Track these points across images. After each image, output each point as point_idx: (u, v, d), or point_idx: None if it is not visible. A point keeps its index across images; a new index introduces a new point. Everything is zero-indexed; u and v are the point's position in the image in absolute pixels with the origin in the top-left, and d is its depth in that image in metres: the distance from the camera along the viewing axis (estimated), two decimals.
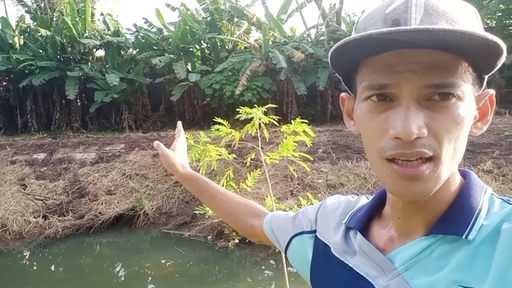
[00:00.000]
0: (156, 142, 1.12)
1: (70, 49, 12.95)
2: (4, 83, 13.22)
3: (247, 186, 2.78)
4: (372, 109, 0.52)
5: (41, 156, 9.23)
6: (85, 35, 12.60)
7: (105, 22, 13.94)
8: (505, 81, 10.84)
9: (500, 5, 10.84)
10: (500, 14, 11.20)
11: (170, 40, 12.98)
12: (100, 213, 7.21)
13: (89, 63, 13.00)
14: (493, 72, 0.52)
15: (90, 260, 6.54)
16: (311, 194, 2.88)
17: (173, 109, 13.20)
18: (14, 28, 13.10)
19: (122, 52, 13.68)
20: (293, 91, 11.55)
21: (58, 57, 12.77)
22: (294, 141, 2.72)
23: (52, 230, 6.79)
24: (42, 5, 14.82)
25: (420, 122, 0.48)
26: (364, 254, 0.61)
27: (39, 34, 12.71)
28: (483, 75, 0.52)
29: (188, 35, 12.67)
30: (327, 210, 0.75)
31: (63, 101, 12.82)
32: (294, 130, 2.78)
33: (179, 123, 1.20)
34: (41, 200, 7.51)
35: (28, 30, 13.47)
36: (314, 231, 0.75)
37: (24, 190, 7.80)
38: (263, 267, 5.71)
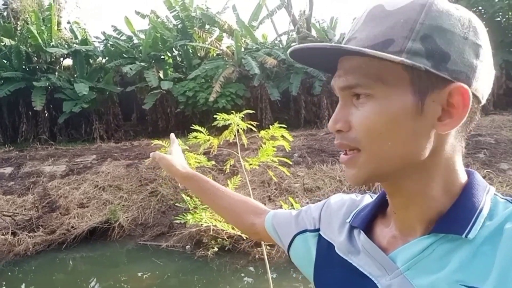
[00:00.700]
0: (152, 153, 1.13)
1: (36, 58, 12.55)
2: None
3: None
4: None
5: (8, 170, 8.85)
6: (51, 44, 12.25)
7: (72, 31, 13.61)
8: None
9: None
10: None
11: (140, 48, 12.81)
12: (72, 227, 6.96)
13: (57, 73, 12.63)
14: (432, 69, 0.50)
15: (63, 276, 6.30)
16: (292, 198, 2.88)
17: (146, 117, 13.01)
18: None
19: (91, 61, 13.38)
20: (266, 97, 11.63)
21: (24, 67, 12.36)
22: (273, 146, 2.72)
23: (22, 247, 6.49)
24: (5, 13, 14.33)
25: (341, 118, 0.56)
26: (368, 253, 0.62)
27: (3, 43, 12.26)
28: (435, 72, 0.50)
29: (159, 43, 12.55)
30: (331, 209, 0.75)
31: (30, 113, 12.38)
32: (273, 135, 2.78)
33: (172, 134, 1.25)
34: (9, 216, 7.18)
35: None
36: (318, 230, 0.75)
37: None
38: (243, 275, 5.66)
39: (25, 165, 9.04)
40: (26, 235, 6.74)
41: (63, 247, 6.69)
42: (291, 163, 3.69)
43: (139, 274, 6.09)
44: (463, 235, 0.51)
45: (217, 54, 13.07)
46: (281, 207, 2.90)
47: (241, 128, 2.82)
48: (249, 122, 2.94)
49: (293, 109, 12.36)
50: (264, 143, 2.75)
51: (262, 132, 2.78)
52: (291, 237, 0.79)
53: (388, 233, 0.62)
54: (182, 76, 12.24)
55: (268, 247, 5.48)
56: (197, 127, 2.89)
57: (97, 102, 12.24)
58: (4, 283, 6.09)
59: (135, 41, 13.44)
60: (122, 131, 12.83)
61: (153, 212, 7.34)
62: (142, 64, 11.97)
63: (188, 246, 6.34)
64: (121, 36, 13.43)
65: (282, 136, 2.79)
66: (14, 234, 6.80)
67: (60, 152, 10.00)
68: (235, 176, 2.96)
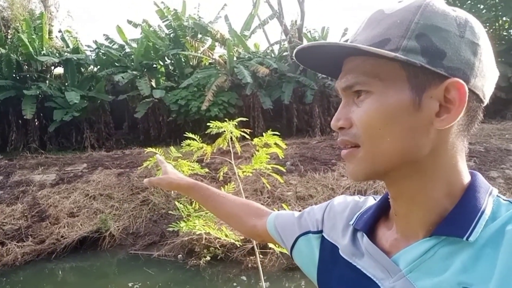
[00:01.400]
0: (146, 180, 1.14)
1: (26, 67, 12.47)
2: None
3: None
4: None
5: None
6: (42, 52, 12.18)
7: (63, 39, 13.55)
8: None
9: None
10: None
11: (132, 56, 12.80)
12: (62, 236, 6.87)
13: (47, 81, 12.53)
14: (424, 64, 0.52)
15: (52, 287, 6.18)
16: (286, 206, 2.88)
17: (138, 126, 12.94)
18: None
19: (82, 69, 13.33)
20: (259, 105, 11.67)
21: (14, 75, 12.24)
22: (266, 154, 2.72)
23: (10, 257, 6.37)
24: None
25: (342, 115, 0.58)
26: (371, 256, 0.62)
27: None
28: (431, 68, 0.52)
29: (151, 52, 12.55)
30: (334, 211, 0.75)
31: (20, 121, 12.22)
32: (266, 143, 2.79)
33: (157, 155, 1.31)
34: None
35: None
36: (321, 231, 0.75)
37: None
38: (235, 284, 5.62)
39: (15, 174, 8.91)
40: (15, 244, 6.63)
41: (53, 257, 6.58)
42: (284, 170, 3.69)
43: (130, 285, 6.01)
44: (464, 238, 0.51)
45: (210, 63, 13.11)
46: None
47: (234, 136, 2.82)
48: (242, 129, 2.95)
49: (285, 118, 12.40)
50: (258, 151, 2.75)
51: (256, 140, 2.79)
52: (293, 238, 0.79)
53: (390, 236, 0.62)
54: (174, 84, 12.24)
55: (261, 256, 5.45)
56: (190, 135, 2.89)
57: (88, 111, 12.16)
58: None
59: (127, 49, 13.43)
60: (113, 139, 12.74)
61: (145, 221, 7.28)
62: (134, 72, 11.96)
63: (180, 255, 6.28)
64: (113, 45, 13.41)
65: (276, 143, 2.80)
66: (2, 244, 6.68)
67: (50, 161, 9.88)
68: (228, 184, 2.95)
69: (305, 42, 12.88)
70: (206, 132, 2.96)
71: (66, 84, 12.59)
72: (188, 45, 12.64)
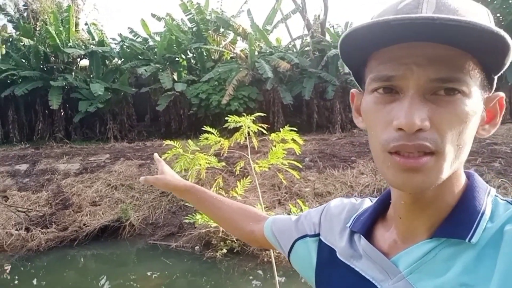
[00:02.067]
0: (142, 178, 1.12)
1: (53, 58, 12.80)
2: None
3: (237, 194, 2.77)
4: (378, 100, 0.52)
5: (23, 167, 9.03)
6: (69, 44, 12.48)
7: (89, 32, 13.84)
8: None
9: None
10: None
11: (155, 50, 12.95)
12: (84, 224, 7.07)
13: (73, 73, 12.86)
14: (502, 72, 0.52)
15: (74, 273, 6.38)
16: (302, 202, 2.89)
17: (159, 119, 13.13)
18: None
19: (107, 62, 13.58)
20: (279, 100, 11.63)
21: (41, 66, 12.61)
22: (283, 149, 2.72)
23: (35, 243, 6.61)
24: (25, 14, 14.65)
25: (423, 114, 0.48)
26: (369, 258, 0.61)
27: (22, 43, 12.54)
28: (492, 76, 0.52)
29: (174, 45, 12.67)
30: (331, 214, 0.74)
31: (46, 111, 12.62)
32: (283, 138, 2.79)
33: (155, 155, 1.26)
34: (24, 212, 7.32)
35: (11, 39, 13.28)
36: (318, 235, 0.74)
37: (6, 202, 7.60)
38: (251, 277, 5.66)
39: (40, 162, 9.20)
40: (39, 231, 6.86)
41: (75, 244, 6.79)
42: (301, 166, 3.68)
43: (148, 274, 6.14)
44: (466, 240, 0.51)
45: (231, 57, 13.14)
46: (290, 210, 2.90)
47: (252, 131, 2.83)
48: (259, 124, 2.95)
49: (306, 113, 12.33)
50: (275, 146, 2.76)
51: (273, 135, 2.79)
52: (291, 242, 0.78)
53: (389, 237, 0.61)
54: (195, 78, 12.34)
55: (276, 251, 5.47)
56: (208, 129, 2.92)
57: (112, 103, 12.41)
58: (16, 277, 6.21)
59: (151, 43, 13.60)
60: (135, 131, 12.99)
61: (164, 212, 7.40)
62: (157, 65, 12.11)
63: (197, 247, 6.37)
64: (137, 38, 13.60)
65: (293, 139, 2.79)
66: (27, 229, 6.93)
67: (75, 151, 10.16)
68: (244, 178, 2.97)
69: (328, 37, 12.75)
70: (225, 126, 2.98)
71: (91, 76, 12.87)
72: (210, 39, 12.69)
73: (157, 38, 13.39)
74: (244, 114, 3.02)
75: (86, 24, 14.51)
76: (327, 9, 13.31)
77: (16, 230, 6.88)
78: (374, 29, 0.47)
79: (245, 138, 2.83)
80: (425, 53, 0.48)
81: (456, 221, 0.53)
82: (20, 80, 12.01)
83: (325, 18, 13.34)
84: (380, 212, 0.65)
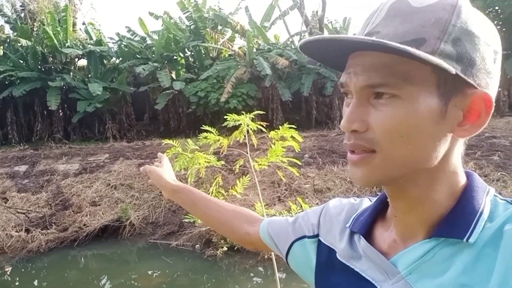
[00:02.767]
0: (142, 167, 1.13)
1: (51, 59, 12.77)
2: None
3: (237, 192, 2.76)
4: (346, 103, 0.57)
5: (23, 168, 9.01)
6: (66, 44, 12.45)
7: (87, 32, 13.80)
8: None
9: None
10: None
11: (153, 48, 12.93)
12: (84, 225, 7.06)
13: (71, 73, 12.83)
14: (457, 72, 0.49)
15: (75, 273, 6.39)
16: (301, 199, 2.88)
17: (158, 117, 13.12)
18: None
19: (105, 61, 13.56)
20: (278, 97, 11.62)
21: (39, 67, 12.58)
22: (282, 147, 2.71)
23: (35, 244, 6.60)
24: (22, 15, 14.58)
25: (357, 117, 0.52)
26: (369, 258, 0.61)
27: (19, 44, 12.49)
28: (463, 76, 0.49)
29: (172, 43, 12.65)
30: (330, 214, 0.73)
31: (45, 112, 12.60)
32: (282, 136, 2.78)
33: (159, 153, 1.26)
34: (23, 213, 7.31)
35: (8, 40, 13.22)
36: (317, 235, 0.73)
37: (5, 203, 7.59)
38: (252, 275, 5.67)
39: (40, 163, 9.19)
40: (39, 232, 6.86)
41: (75, 245, 6.79)
42: (300, 163, 3.68)
43: (149, 273, 6.14)
44: (464, 239, 0.51)
45: (229, 55, 13.12)
46: (290, 207, 2.90)
47: (251, 129, 2.82)
48: (259, 122, 2.94)
49: (305, 110, 12.33)
50: (274, 144, 2.75)
51: (272, 133, 2.78)
52: (288, 244, 0.78)
53: (388, 237, 0.61)
54: (194, 76, 12.32)
55: None
56: (207, 128, 2.91)
57: (111, 102, 12.40)
58: (17, 279, 6.21)
59: (149, 41, 13.57)
60: (134, 130, 12.98)
61: (164, 211, 7.40)
62: (155, 64, 12.08)
63: (198, 245, 6.37)
64: (134, 37, 13.58)
65: (292, 136, 2.78)
66: (27, 231, 6.92)
67: (74, 151, 10.15)
68: (244, 176, 2.96)
69: (326, 33, 12.73)
70: (224, 125, 2.97)
71: (89, 75, 12.86)
72: (208, 36, 12.67)
73: (155, 37, 13.37)
74: (243, 111, 3.01)
75: (83, 23, 14.47)
76: (325, 5, 13.29)
77: (16, 231, 6.87)
78: (327, 42, 0.52)
79: (244, 136, 2.82)
80: (363, 62, 0.52)
81: (454, 220, 0.53)
82: (18, 81, 12.00)
83: (323, 14, 13.32)
84: (379, 211, 0.65)
